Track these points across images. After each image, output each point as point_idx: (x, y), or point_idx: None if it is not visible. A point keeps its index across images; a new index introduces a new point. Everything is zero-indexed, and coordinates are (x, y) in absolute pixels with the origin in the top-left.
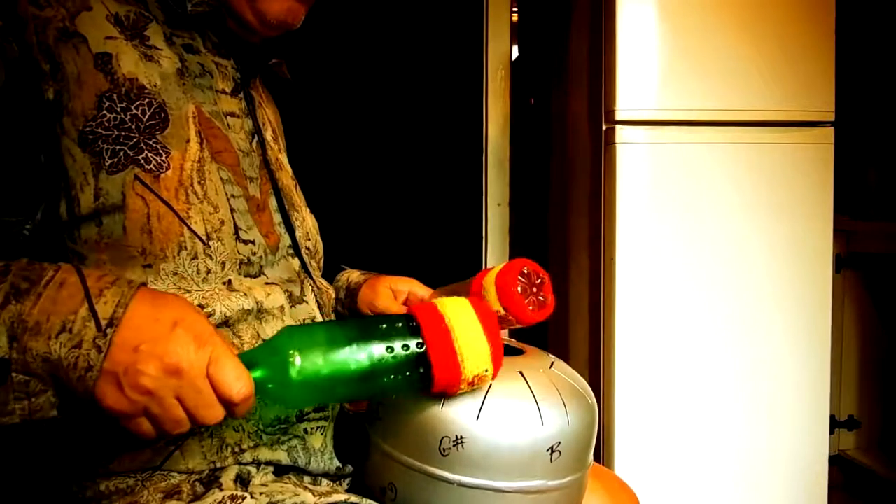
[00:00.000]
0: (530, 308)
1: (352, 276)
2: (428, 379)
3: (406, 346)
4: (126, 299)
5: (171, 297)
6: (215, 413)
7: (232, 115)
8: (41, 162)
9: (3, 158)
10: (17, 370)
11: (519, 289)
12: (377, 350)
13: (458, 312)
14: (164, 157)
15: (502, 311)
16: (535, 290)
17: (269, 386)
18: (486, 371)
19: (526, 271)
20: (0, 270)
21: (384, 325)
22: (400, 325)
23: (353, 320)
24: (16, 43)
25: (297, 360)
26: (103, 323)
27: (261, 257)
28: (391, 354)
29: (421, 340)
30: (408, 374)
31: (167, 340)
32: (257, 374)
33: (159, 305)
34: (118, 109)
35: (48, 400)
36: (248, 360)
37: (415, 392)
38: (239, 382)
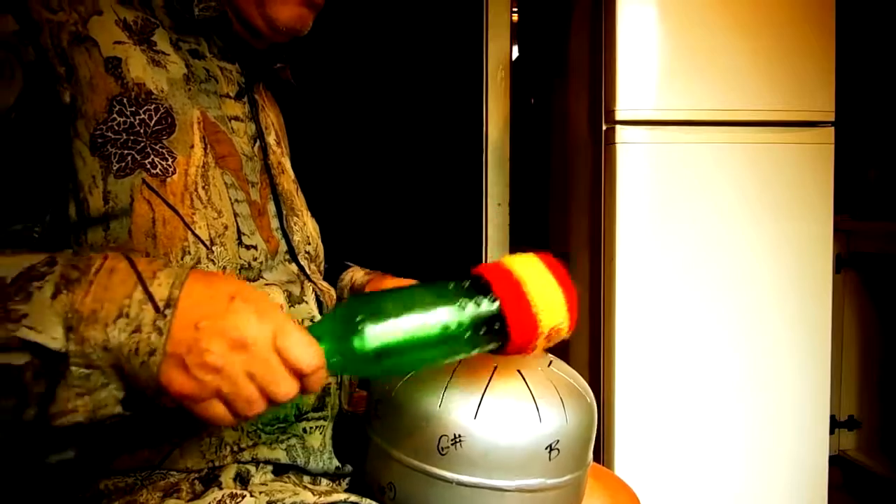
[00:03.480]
0: None
1: (356, 274)
2: (504, 336)
3: (478, 304)
4: (180, 279)
5: (224, 275)
6: (288, 387)
7: (236, 119)
8: (52, 165)
9: (20, 163)
10: (77, 363)
11: None
12: (448, 312)
13: (526, 266)
14: (170, 162)
15: None
16: None
17: (337, 358)
18: (563, 323)
19: None
20: (46, 262)
21: (452, 286)
22: (468, 284)
23: (418, 285)
24: (32, 46)
25: (367, 329)
26: (160, 304)
27: (261, 262)
28: (463, 315)
29: (493, 296)
30: (481, 333)
31: (228, 314)
32: (324, 346)
33: (213, 283)
34: (128, 113)
35: (111, 394)
36: (313, 333)
37: (490, 352)
38: (309, 352)
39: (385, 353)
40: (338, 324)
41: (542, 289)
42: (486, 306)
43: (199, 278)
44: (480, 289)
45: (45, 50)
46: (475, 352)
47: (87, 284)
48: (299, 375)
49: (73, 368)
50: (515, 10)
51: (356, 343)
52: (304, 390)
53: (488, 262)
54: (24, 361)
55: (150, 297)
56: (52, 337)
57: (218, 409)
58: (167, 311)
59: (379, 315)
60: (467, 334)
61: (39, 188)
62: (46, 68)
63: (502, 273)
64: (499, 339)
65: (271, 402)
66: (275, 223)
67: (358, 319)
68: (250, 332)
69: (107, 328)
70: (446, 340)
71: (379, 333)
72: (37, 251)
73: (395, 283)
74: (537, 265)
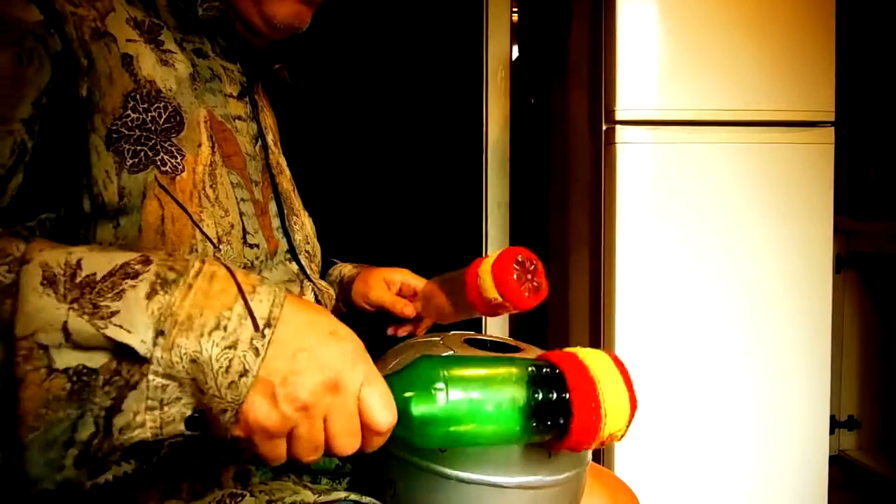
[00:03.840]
0: (526, 294)
1: (344, 269)
2: (562, 432)
3: (549, 394)
4: (280, 300)
5: (318, 305)
6: (355, 442)
7: (239, 118)
8: (69, 158)
9: (44, 153)
10: (158, 371)
11: (515, 276)
12: (521, 394)
13: (600, 364)
14: (179, 160)
15: (499, 299)
16: (529, 276)
17: (401, 418)
18: (622, 430)
19: (520, 259)
20: (140, 260)
21: (530, 369)
22: (546, 370)
23: (496, 357)
24: (58, 36)
25: (440, 395)
26: (261, 323)
27: (262, 262)
28: (532, 400)
29: (565, 389)
30: (545, 423)
31: (328, 350)
32: (405, 405)
33: (311, 311)
34: (141, 110)
35: (180, 411)
36: (389, 385)
37: (541, 443)
38: (387, 411)
39: (453, 419)
40: (415, 381)
41: (613, 394)
42: (557, 399)
43: (298, 303)
44: (554, 379)
45: (69, 41)
46: (526, 439)
47: (185, 287)
48: (372, 431)
49: (151, 377)
50: (515, 10)
51: (433, 403)
52: (364, 447)
53: (558, 349)
54: (100, 364)
55: (251, 313)
56: (141, 340)
57: (281, 450)
58: (266, 332)
59: (458, 380)
60: (530, 422)
61: (57, 180)
62: (71, 60)
63: (577, 366)
64: (555, 433)
65: (329, 454)
66: (276, 223)
67: (436, 382)
68: (345, 375)
69: (201, 339)
70: (510, 420)
71: (453, 398)
72: (125, 249)
73: (383, 274)
74: (610, 366)
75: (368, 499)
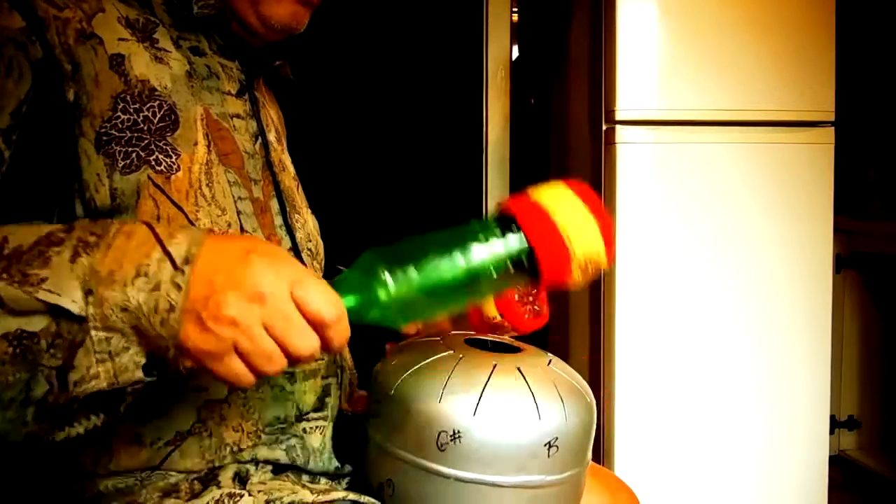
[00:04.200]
0: (526, 316)
1: None
2: (534, 270)
3: (504, 239)
4: (199, 239)
5: (245, 236)
6: (308, 340)
7: (237, 116)
8: (58, 164)
9: (26, 163)
10: (97, 327)
11: (516, 297)
12: (474, 252)
13: (555, 196)
14: (174, 159)
15: (498, 318)
16: (531, 299)
17: (361, 312)
18: (597, 251)
19: None
20: (63, 228)
21: (476, 224)
22: (492, 220)
23: (441, 230)
24: (39, 43)
25: (389, 279)
26: (179, 261)
27: None
28: (490, 252)
29: (520, 229)
30: (512, 271)
31: (244, 267)
32: (348, 299)
33: (230, 240)
34: (131, 111)
35: (132, 359)
36: (334, 282)
37: (528, 284)
38: (328, 300)
39: (409, 302)
40: (359, 275)
41: (573, 217)
42: (513, 241)
43: (217, 237)
44: (507, 224)
45: (51, 47)
46: (505, 286)
47: (105, 247)
48: (319, 327)
49: (93, 333)
50: (515, 10)
51: (381, 293)
52: (325, 346)
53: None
54: (40, 327)
55: (169, 255)
56: (72, 300)
57: (237, 366)
58: (185, 268)
59: (401, 263)
60: (496, 272)
61: (45, 187)
62: (53, 66)
63: (529, 205)
64: (531, 273)
65: (292, 358)
66: (278, 220)
67: (378, 270)
68: (266, 282)
69: (125, 288)
70: (475, 280)
71: (401, 283)
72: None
73: None
74: (567, 194)
75: (367, 498)
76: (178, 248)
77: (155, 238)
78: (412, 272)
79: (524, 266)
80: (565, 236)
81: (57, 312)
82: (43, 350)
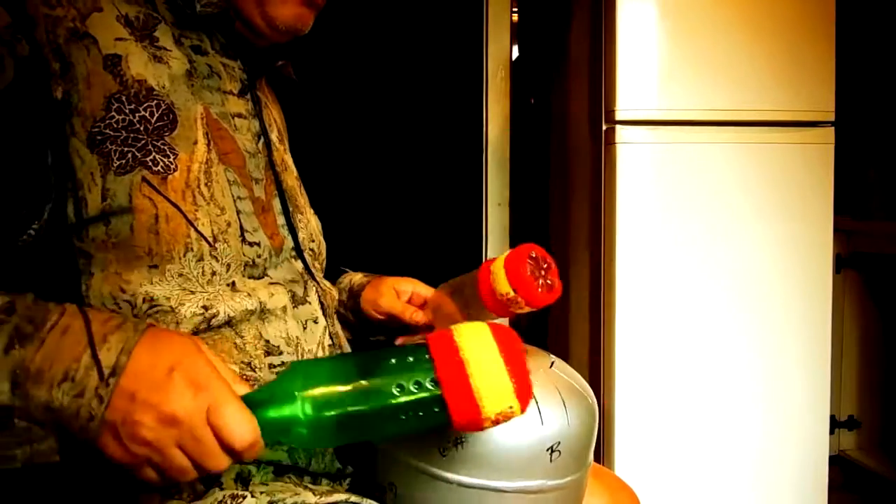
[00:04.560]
0: (539, 289)
1: (354, 278)
2: (445, 418)
3: (418, 385)
4: (130, 345)
5: (175, 337)
6: (219, 462)
7: (239, 116)
8: (48, 162)
9: (10, 158)
10: (20, 416)
11: (528, 271)
12: (388, 389)
13: (474, 343)
14: (171, 159)
15: (512, 293)
16: (542, 272)
17: (279, 428)
18: (511, 408)
19: (534, 255)
20: (4, 308)
21: (394, 360)
22: (412, 359)
23: (366, 353)
24: (26, 41)
25: (305, 402)
26: (106, 372)
27: (265, 259)
28: (403, 394)
29: (434, 377)
30: (424, 413)
31: (164, 388)
32: (267, 414)
33: (159, 350)
34: (127, 111)
35: (50, 446)
36: (255, 400)
37: (439, 429)
38: (241, 428)
39: (323, 426)
40: (279, 393)
41: (488, 373)
42: (427, 387)
43: (148, 346)
44: (425, 365)
45: (39, 45)
46: (420, 429)
47: (38, 342)
48: (231, 452)
49: (17, 420)
50: (515, 10)
51: (297, 414)
52: (238, 462)
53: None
54: None
55: (97, 363)
56: (1, 390)
57: (150, 475)
58: (111, 380)
59: (319, 386)
60: (409, 413)
61: (34, 185)
62: (40, 63)
63: (448, 351)
64: (443, 418)
65: (202, 471)
66: (280, 220)
67: (296, 391)
68: (182, 407)
69: (51, 390)
70: (388, 417)
71: (316, 406)
72: (1, 291)
73: (393, 283)
74: (488, 343)
75: (369, 501)
76: (107, 356)
77: (88, 340)
78: (328, 398)
79: (435, 413)
80: (478, 396)
81: None
82: None
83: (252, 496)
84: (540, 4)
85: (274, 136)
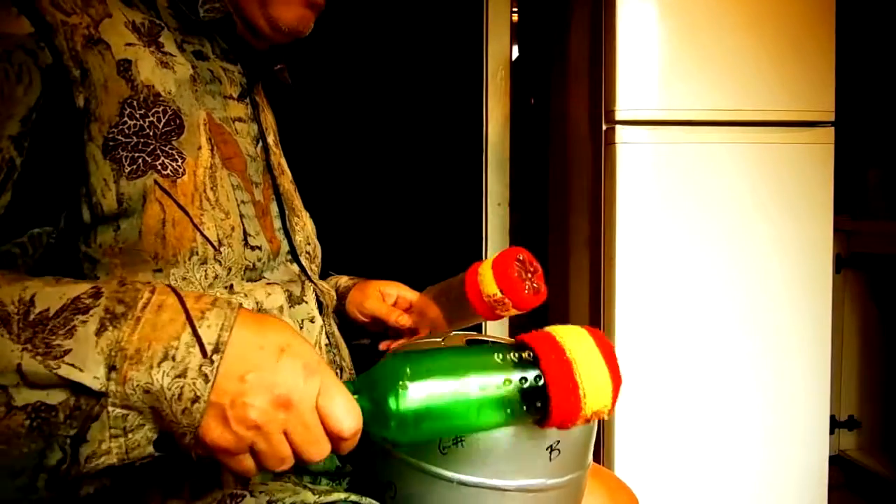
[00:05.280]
0: (526, 291)
1: (340, 280)
2: (543, 413)
3: (524, 380)
4: (230, 322)
5: (273, 319)
6: (322, 449)
7: (239, 120)
8: (66, 169)
9: (38, 167)
10: (115, 403)
11: (515, 273)
12: (493, 381)
13: (577, 343)
14: (179, 163)
15: (499, 295)
16: (529, 276)
17: (375, 419)
18: (606, 407)
19: (521, 258)
20: (91, 293)
21: (499, 355)
22: (516, 355)
23: (464, 348)
24: (48, 49)
25: (409, 391)
26: (209, 349)
27: (264, 263)
28: (508, 387)
29: (539, 373)
30: (523, 408)
31: (275, 370)
32: (363, 404)
33: (264, 330)
34: (138, 116)
35: (145, 435)
36: (354, 389)
37: (525, 425)
38: (350, 416)
39: (423, 416)
40: (380, 382)
41: (592, 372)
42: (532, 382)
43: (249, 323)
44: (528, 361)
45: (60, 53)
46: (510, 424)
47: (133, 321)
48: (336, 439)
49: (111, 409)
50: (515, 10)
51: (398, 404)
52: (337, 451)
53: (536, 329)
54: (59, 400)
55: (199, 341)
56: (94, 376)
57: (247, 464)
58: (215, 357)
59: (423, 377)
60: (507, 408)
61: (54, 193)
62: (62, 72)
63: (553, 348)
64: (538, 413)
65: (302, 462)
66: (277, 223)
67: (400, 381)
68: (296, 390)
69: (151, 370)
70: (486, 410)
71: (419, 396)
72: (79, 280)
73: (379, 286)
74: (588, 342)
75: (368, 500)
76: (208, 332)
77: (185, 316)
78: (432, 389)
79: (534, 407)
80: (582, 391)
81: (77, 388)
82: (60, 422)
83: (251, 495)
84: (540, 4)
85: (271, 140)
